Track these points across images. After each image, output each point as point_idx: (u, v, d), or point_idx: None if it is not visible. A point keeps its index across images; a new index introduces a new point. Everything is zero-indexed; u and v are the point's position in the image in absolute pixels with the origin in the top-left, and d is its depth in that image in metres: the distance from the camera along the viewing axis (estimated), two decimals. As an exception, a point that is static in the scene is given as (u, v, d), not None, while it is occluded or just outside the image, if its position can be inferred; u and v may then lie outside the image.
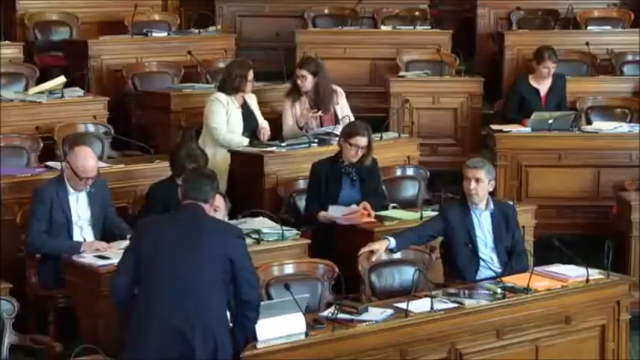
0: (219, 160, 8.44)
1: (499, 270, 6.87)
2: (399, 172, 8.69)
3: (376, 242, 6.86)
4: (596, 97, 10.40)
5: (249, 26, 12.36)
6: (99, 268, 6.38)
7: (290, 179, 8.23)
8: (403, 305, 6.14)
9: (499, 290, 6.46)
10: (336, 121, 8.97)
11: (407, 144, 9.12)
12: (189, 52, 10.30)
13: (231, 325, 5.63)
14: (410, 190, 8.63)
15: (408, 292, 6.29)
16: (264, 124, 8.97)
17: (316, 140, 8.64)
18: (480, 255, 6.95)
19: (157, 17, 11.53)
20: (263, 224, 7.14)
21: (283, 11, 12.36)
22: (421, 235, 7.01)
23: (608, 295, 6.77)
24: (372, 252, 6.76)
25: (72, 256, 6.64)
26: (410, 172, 8.74)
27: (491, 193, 7.16)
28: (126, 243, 6.77)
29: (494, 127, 9.62)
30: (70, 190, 7.04)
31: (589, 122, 10.03)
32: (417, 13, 12.29)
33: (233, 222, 6.82)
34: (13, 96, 9.13)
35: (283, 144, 8.54)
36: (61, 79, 9.33)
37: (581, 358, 6.68)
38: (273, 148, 8.46)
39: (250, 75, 8.84)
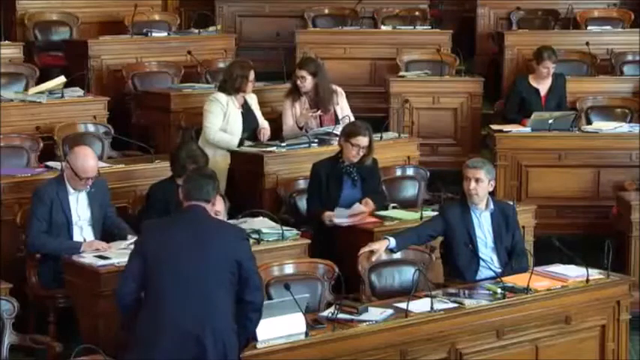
0: (219, 160, 8.44)
1: (499, 270, 6.87)
2: (399, 172, 8.69)
3: (376, 242, 6.86)
4: (596, 97, 10.40)
5: (249, 26, 12.36)
6: (99, 268, 6.38)
7: (290, 179, 8.23)
8: (403, 305, 6.14)
9: (499, 290, 6.46)
10: (336, 121, 8.97)
11: (407, 144, 9.12)
12: (189, 52, 10.30)
13: (232, 325, 5.64)
14: (410, 190, 8.63)
15: (408, 292, 6.29)
16: (264, 125, 8.97)
17: (316, 140, 8.64)
18: (480, 255, 6.95)
19: (157, 17, 11.53)
20: (263, 224, 7.14)
21: (283, 11, 12.36)
22: (421, 235, 7.01)
23: (608, 295, 6.77)
24: (372, 252, 6.76)
25: (72, 256, 6.63)
26: (410, 172, 8.74)
27: (492, 193, 7.16)
28: (126, 243, 6.80)
29: (494, 127, 9.62)
30: (70, 190, 7.04)
31: (589, 122, 10.03)
32: (417, 13, 12.30)
33: (232, 222, 6.82)
34: (13, 96, 9.12)
35: (283, 144, 8.54)
36: (61, 79, 9.33)
37: (581, 358, 6.68)
38: (273, 148, 8.46)
39: (251, 75, 8.84)
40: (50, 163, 8.10)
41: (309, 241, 7.13)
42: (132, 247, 6.55)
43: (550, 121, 9.35)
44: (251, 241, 6.70)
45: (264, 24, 12.19)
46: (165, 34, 10.99)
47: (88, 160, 7.00)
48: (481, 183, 6.97)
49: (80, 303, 6.56)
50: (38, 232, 6.93)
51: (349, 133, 7.71)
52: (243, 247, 5.63)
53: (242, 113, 8.79)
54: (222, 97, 8.73)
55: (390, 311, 6.14)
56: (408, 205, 8.23)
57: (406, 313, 6.10)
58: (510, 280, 6.61)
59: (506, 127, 9.55)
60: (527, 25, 12.06)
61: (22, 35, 10.99)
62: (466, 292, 6.48)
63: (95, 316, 6.32)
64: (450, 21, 12.79)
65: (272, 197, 8.22)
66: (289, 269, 6.58)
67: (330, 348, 5.83)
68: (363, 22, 12.26)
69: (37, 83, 9.53)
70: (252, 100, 8.98)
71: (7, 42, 10.40)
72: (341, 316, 6.03)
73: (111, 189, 7.40)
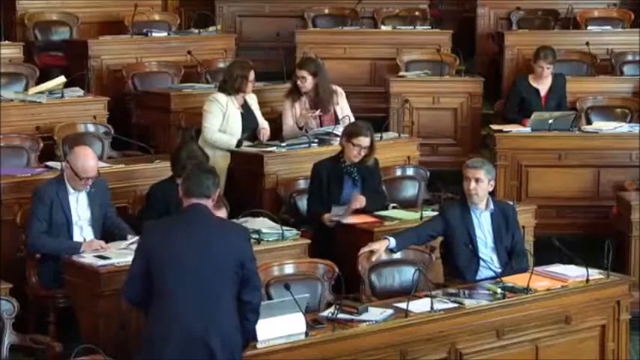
0: (219, 160, 8.44)
1: (499, 270, 6.87)
2: (399, 172, 8.68)
3: (376, 242, 6.86)
4: (596, 97, 10.40)
5: (249, 26, 12.36)
6: (99, 268, 6.37)
7: (290, 179, 8.23)
8: (403, 305, 6.14)
9: (499, 290, 6.46)
10: (336, 121, 8.97)
11: (407, 144, 9.13)
12: (189, 52, 10.30)
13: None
14: (410, 190, 8.63)
15: (408, 292, 6.29)
16: (264, 125, 8.97)
17: (316, 140, 8.64)
18: (480, 255, 6.95)
19: (157, 17, 11.53)
20: (263, 224, 7.14)
21: (283, 11, 12.36)
22: (421, 235, 7.01)
23: (608, 295, 6.77)
24: (372, 252, 6.76)
25: (72, 256, 6.63)
26: (410, 172, 8.74)
27: (491, 193, 7.16)
28: (126, 243, 6.80)
29: (494, 127, 9.62)
30: (70, 190, 7.04)
31: (589, 122, 10.03)
32: (417, 13, 12.30)
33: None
34: (13, 96, 9.12)
35: (283, 144, 8.54)
36: (61, 79, 9.33)
37: (581, 358, 6.68)
38: (273, 148, 8.46)
39: (251, 75, 8.84)
40: (50, 163, 8.10)
41: (309, 241, 7.13)
42: (132, 247, 6.58)
43: (550, 121, 9.35)
44: (251, 241, 6.71)
45: (264, 24, 12.20)
46: (165, 34, 10.99)
47: (88, 160, 7.00)
48: (481, 183, 6.97)
49: (80, 303, 6.55)
50: (38, 232, 6.93)
51: (351, 133, 7.71)
52: (247, 247, 5.61)
53: (242, 113, 8.79)
54: (221, 97, 8.73)
55: (390, 311, 6.14)
56: (408, 205, 8.23)
57: (406, 313, 6.10)
58: (510, 280, 6.61)
59: (506, 127, 9.55)
60: (527, 25, 12.06)
61: (22, 35, 10.99)
62: (466, 292, 6.48)
63: (95, 316, 6.32)
64: (450, 21, 12.79)
65: (272, 197, 8.22)
66: (289, 269, 6.58)
67: (330, 348, 5.83)
68: (363, 22, 12.26)
69: (37, 83, 9.53)
70: (252, 101, 8.99)
71: (7, 42, 10.40)
72: (341, 316, 6.03)
73: (111, 189, 7.40)
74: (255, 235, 6.83)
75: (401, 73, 10.60)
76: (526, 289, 6.48)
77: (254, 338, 5.64)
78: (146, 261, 5.46)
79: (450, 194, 8.20)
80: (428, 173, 8.72)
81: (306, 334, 5.78)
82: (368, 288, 6.79)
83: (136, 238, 6.71)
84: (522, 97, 10.03)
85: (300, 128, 8.95)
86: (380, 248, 6.78)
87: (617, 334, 6.81)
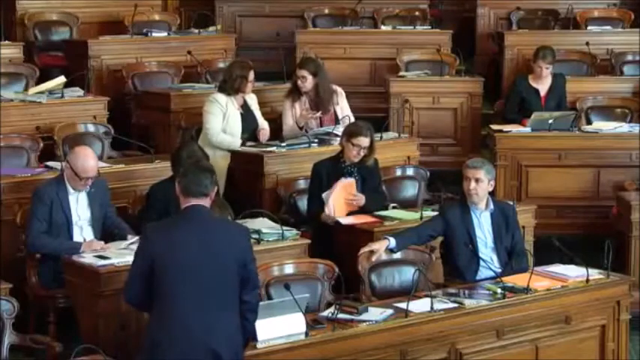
0: (219, 160, 8.44)
1: (499, 270, 6.87)
2: (399, 172, 8.69)
3: (376, 242, 6.86)
4: (596, 97, 10.40)
5: (249, 26, 12.36)
6: (99, 268, 6.37)
7: (290, 179, 8.23)
8: (403, 305, 6.14)
9: (499, 290, 6.46)
10: (336, 121, 8.97)
11: (407, 144, 9.13)
12: (189, 52, 10.30)
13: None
14: (410, 190, 8.64)
15: (408, 292, 6.29)
16: (264, 125, 8.97)
17: (316, 140, 8.64)
18: (480, 255, 6.95)
19: (157, 17, 11.53)
20: (263, 224, 7.14)
21: (283, 11, 12.36)
22: (421, 235, 7.01)
23: (608, 295, 6.77)
24: (372, 252, 6.76)
25: (72, 256, 6.63)
26: (410, 172, 8.74)
27: (491, 193, 7.16)
28: (126, 243, 6.79)
29: (494, 127, 9.62)
30: (70, 190, 7.04)
31: (589, 122, 10.03)
32: (417, 13, 12.30)
33: (233, 222, 6.82)
34: (13, 96, 9.12)
35: (283, 144, 8.54)
36: (61, 79, 9.33)
37: (581, 358, 6.68)
38: (273, 148, 8.46)
39: (251, 76, 8.84)
40: (50, 163, 8.10)
41: (309, 241, 7.13)
42: (132, 247, 6.58)
43: (550, 121, 9.35)
44: (251, 241, 6.71)
45: (264, 24, 12.20)
46: (165, 34, 10.99)
47: (88, 160, 7.00)
48: (481, 183, 6.97)
49: (80, 303, 6.55)
50: (38, 232, 6.93)
51: (351, 133, 7.71)
52: (249, 247, 5.58)
53: (241, 114, 8.79)
54: (221, 97, 8.73)
55: (390, 311, 6.14)
56: (408, 205, 8.23)
57: (406, 313, 6.10)
58: (510, 280, 6.61)
59: (506, 127, 9.55)
60: (527, 25, 12.07)
61: (22, 35, 10.99)
62: (466, 292, 6.48)
63: (95, 316, 6.31)
64: (450, 21, 12.79)
65: (272, 197, 8.22)
66: (289, 269, 6.57)
67: (330, 348, 5.83)
68: (363, 22, 12.26)
69: (37, 83, 9.53)
70: (252, 101, 8.98)
71: (7, 42, 10.41)
72: (341, 316, 6.03)
73: (111, 189, 7.40)
74: (255, 235, 6.82)
75: (401, 73, 10.60)
76: (526, 289, 6.48)
77: (254, 338, 5.64)
78: (148, 263, 5.40)
79: (450, 194, 8.20)
80: (428, 173, 8.72)
81: (306, 334, 5.78)
82: (368, 288, 6.79)
83: (136, 238, 6.71)
84: (522, 97, 10.03)
85: (300, 128, 8.95)
86: (380, 248, 6.78)
87: (617, 334, 6.81)
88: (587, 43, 11.03)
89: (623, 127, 9.59)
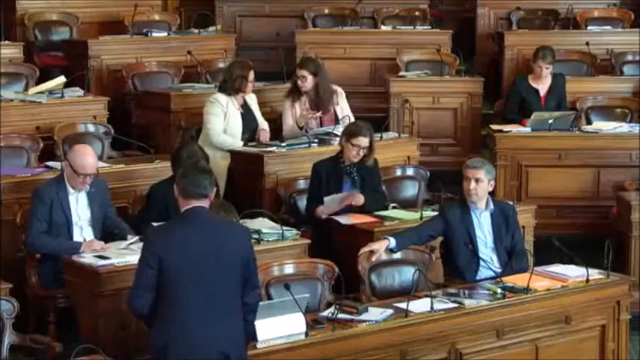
0: (219, 160, 8.44)
1: (499, 270, 6.87)
2: (399, 172, 8.69)
3: (376, 242, 6.86)
4: (596, 97, 10.40)
5: (249, 26, 12.36)
6: (99, 268, 6.37)
7: (290, 179, 8.23)
8: (403, 305, 6.14)
9: (499, 290, 6.46)
10: (336, 121, 8.97)
11: (407, 144, 9.13)
12: (189, 52, 10.30)
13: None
14: (410, 190, 8.64)
15: (408, 292, 6.29)
16: (264, 125, 8.97)
17: (316, 140, 8.64)
18: (480, 255, 6.95)
19: (157, 17, 11.53)
20: (263, 224, 7.14)
21: (283, 11, 12.36)
22: (421, 235, 7.01)
23: (608, 295, 6.77)
24: (372, 252, 6.76)
25: (72, 256, 6.62)
26: (410, 172, 8.74)
27: (491, 193, 7.16)
28: (126, 243, 6.79)
29: (494, 127, 9.62)
30: (70, 190, 7.04)
31: (589, 122, 10.03)
32: (417, 13, 12.30)
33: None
34: (13, 96, 9.13)
35: (283, 144, 8.54)
36: (61, 79, 9.33)
37: (581, 358, 6.68)
38: (273, 148, 8.46)
39: (251, 76, 8.84)
40: (50, 163, 8.10)
41: (309, 241, 7.13)
42: (132, 247, 6.59)
43: (550, 121, 9.35)
44: (251, 241, 6.71)
45: (264, 24, 12.20)
46: (165, 34, 10.99)
47: (87, 157, 7.00)
48: (481, 183, 6.97)
49: (80, 303, 6.55)
50: (38, 232, 6.93)
51: (350, 133, 7.71)
52: (250, 247, 5.58)
53: (242, 114, 8.79)
54: (221, 97, 8.73)
55: (390, 311, 6.14)
56: (408, 205, 8.23)
57: (406, 313, 6.10)
58: (510, 280, 6.61)
59: (506, 127, 9.55)
60: (527, 25, 12.07)
61: (22, 35, 10.99)
62: (466, 292, 6.48)
63: (95, 316, 6.31)
64: (450, 21, 12.79)
65: (272, 197, 8.22)
66: (289, 269, 6.58)
67: (330, 348, 5.83)
68: (363, 22, 12.26)
69: (37, 83, 9.53)
70: (252, 101, 8.98)
71: (7, 42, 10.41)
72: (341, 316, 6.03)
73: (111, 189, 7.40)
74: (255, 235, 6.82)
75: (401, 73, 10.60)
76: (526, 289, 6.48)
77: (254, 338, 5.64)
78: (157, 268, 5.31)
79: (450, 194, 8.20)
80: (428, 173, 8.72)
81: (306, 334, 5.78)
82: (368, 288, 6.79)
83: (136, 238, 6.72)
84: (522, 97, 10.03)
85: (300, 128, 8.95)
86: (380, 248, 6.78)
87: (617, 334, 6.81)
88: (587, 43, 11.03)
89: (623, 127, 9.59)
